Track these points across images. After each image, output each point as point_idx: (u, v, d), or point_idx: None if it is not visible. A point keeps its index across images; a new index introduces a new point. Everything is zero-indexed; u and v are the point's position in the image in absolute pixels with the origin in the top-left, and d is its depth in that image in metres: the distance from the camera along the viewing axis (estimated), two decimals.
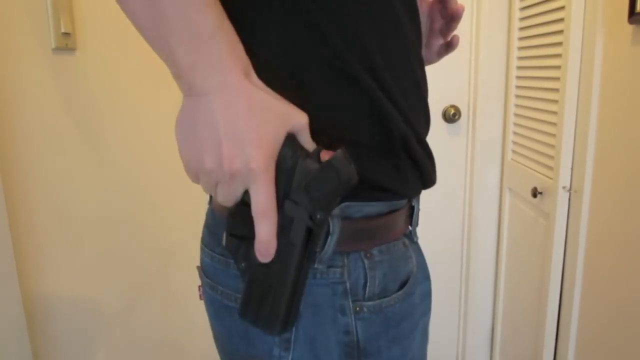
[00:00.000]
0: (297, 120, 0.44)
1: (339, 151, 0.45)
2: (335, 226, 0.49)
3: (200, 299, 0.60)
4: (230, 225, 0.49)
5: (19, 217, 1.09)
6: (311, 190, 0.45)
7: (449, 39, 0.68)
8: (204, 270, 0.58)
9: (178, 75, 0.42)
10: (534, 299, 1.52)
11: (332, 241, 0.49)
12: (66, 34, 1.15)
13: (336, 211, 0.49)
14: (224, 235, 0.50)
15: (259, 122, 0.41)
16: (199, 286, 0.60)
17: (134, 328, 1.43)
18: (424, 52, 0.68)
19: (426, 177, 0.56)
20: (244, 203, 0.46)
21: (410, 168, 0.53)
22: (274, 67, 0.47)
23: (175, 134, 0.44)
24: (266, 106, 0.42)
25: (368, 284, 0.51)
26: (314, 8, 0.46)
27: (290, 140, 0.44)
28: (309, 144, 0.45)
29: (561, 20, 1.31)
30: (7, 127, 1.06)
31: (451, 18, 0.64)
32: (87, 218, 1.25)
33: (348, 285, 0.50)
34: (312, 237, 0.46)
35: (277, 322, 0.47)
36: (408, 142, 0.52)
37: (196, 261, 0.63)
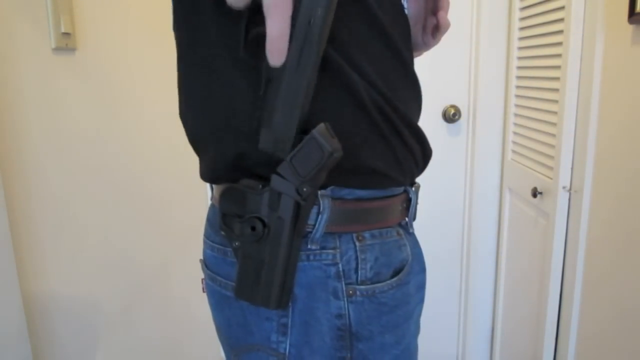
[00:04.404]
0: None
1: (322, 125, 0.45)
2: (325, 205, 0.50)
3: (203, 291, 0.62)
4: (222, 205, 0.51)
5: (19, 217, 1.09)
6: (296, 164, 0.46)
7: (439, 17, 0.67)
8: (205, 263, 0.60)
9: None
10: (534, 299, 1.52)
11: (322, 219, 0.50)
12: (66, 34, 1.15)
13: (327, 191, 0.50)
14: (219, 218, 0.51)
15: None
16: (202, 279, 0.61)
17: (134, 328, 1.43)
18: (422, 36, 0.68)
19: (418, 157, 0.57)
20: (234, 180, 0.49)
21: (400, 150, 0.54)
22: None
23: None
24: None
25: (360, 266, 0.52)
26: None
27: None
28: None
29: (561, 20, 1.31)
30: (7, 127, 1.06)
31: None
32: (87, 218, 1.25)
33: (340, 267, 0.51)
34: (301, 211, 0.48)
35: (271, 296, 0.48)
36: (394, 123, 0.52)
37: (195, 263, 0.64)
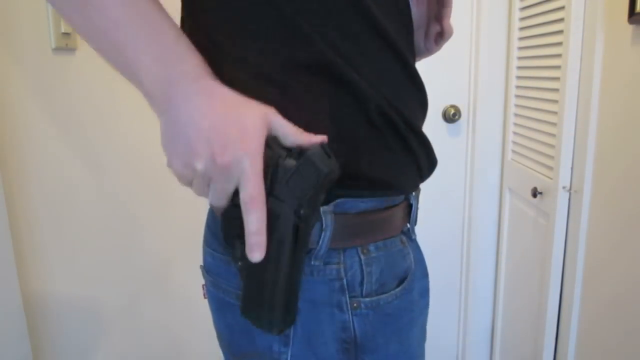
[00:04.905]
0: (269, 110, 0.45)
1: (316, 146, 0.45)
2: (328, 221, 0.49)
3: (204, 297, 0.61)
4: (224, 226, 0.50)
5: (19, 217, 1.09)
6: (292, 186, 0.45)
7: (443, 25, 0.67)
8: (206, 269, 0.59)
9: (148, 92, 0.45)
10: (534, 299, 1.52)
11: (325, 236, 0.49)
12: (66, 34, 1.15)
13: (330, 207, 0.49)
14: (222, 236, 0.51)
15: (239, 115, 0.43)
16: (203, 285, 0.61)
17: (134, 328, 1.43)
18: (425, 42, 0.67)
19: (422, 165, 0.56)
20: (235, 205, 0.47)
21: (404, 157, 0.53)
22: (253, 68, 0.48)
23: (164, 152, 0.45)
24: (240, 101, 0.44)
25: (365, 280, 0.51)
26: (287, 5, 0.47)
27: (270, 141, 0.45)
28: (291, 131, 0.45)
29: (561, 20, 1.31)
30: (6, 127, 1.06)
31: (442, 3, 0.64)
32: (87, 218, 1.25)
33: (345, 281, 0.50)
34: (300, 232, 0.47)
35: (275, 321, 0.48)
36: (397, 128, 0.51)
37: (196, 261, 0.64)
